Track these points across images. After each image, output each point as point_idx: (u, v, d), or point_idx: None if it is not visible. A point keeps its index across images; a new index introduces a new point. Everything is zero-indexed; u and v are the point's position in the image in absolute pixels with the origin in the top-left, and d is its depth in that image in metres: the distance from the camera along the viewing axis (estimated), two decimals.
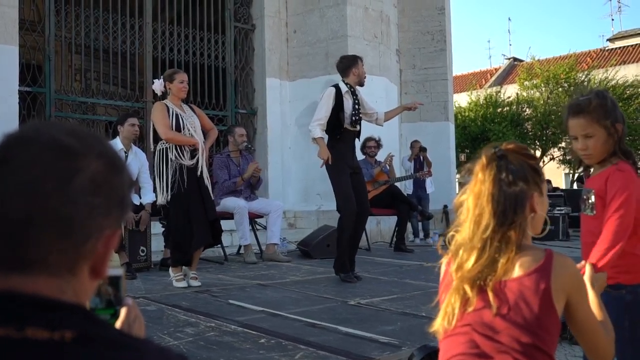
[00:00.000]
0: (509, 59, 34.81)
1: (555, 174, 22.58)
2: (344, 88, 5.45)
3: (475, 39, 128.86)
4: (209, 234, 5.04)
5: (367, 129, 8.24)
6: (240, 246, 6.98)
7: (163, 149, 4.96)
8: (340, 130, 5.38)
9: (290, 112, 9.69)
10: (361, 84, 5.61)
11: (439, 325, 1.45)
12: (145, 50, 8.78)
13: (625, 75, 20.33)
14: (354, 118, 5.41)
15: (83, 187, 0.75)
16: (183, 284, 4.93)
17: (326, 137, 5.50)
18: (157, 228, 6.25)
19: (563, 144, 18.90)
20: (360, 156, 8.05)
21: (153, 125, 5.04)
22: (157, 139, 5.02)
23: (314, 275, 5.67)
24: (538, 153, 20.79)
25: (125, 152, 5.92)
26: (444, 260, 1.56)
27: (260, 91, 9.64)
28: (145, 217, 5.89)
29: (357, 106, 5.44)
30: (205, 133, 5.23)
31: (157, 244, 6.23)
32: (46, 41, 7.79)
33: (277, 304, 4.19)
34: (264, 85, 9.56)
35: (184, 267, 5.09)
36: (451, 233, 1.49)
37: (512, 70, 32.38)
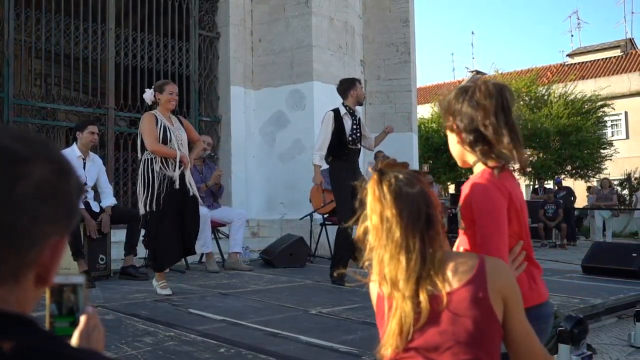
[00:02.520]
0: (472, 72, 35.35)
1: None
2: (342, 110, 5.86)
3: (439, 52, 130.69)
4: (178, 252, 5.08)
5: None
6: (202, 255, 6.92)
7: (148, 159, 4.96)
8: (345, 151, 5.79)
9: (254, 121, 9.66)
10: (360, 104, 6.05)
11: (390, 346, 1.41)
12: (108, 57, 8.67)
13: (583, 90, 20.84)
14: (352, 137, 5.82)
15: (27, 193, 0.73)
16: (167, 291, 4.94)
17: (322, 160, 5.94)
18: (117, 236, 6.15)
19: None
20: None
21: (140, 135, 5.03)
22: (143, 148, 5.03)
23: (276, 285, 5.65)
24: None
25: (83, 159, 5.82)
26: (372, 286, 1.54)
27: (225, 99, 9.60)
28: (106, 219, 5.81)
29: (355, 126, 5.85)
30: (191, 144, 5.29)
31: (117, 252, 6.13)
32: (5, 45, 7.64)
33: (238, 313, 4.16)
34: (228, 94, 9.53)
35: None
36: (366, 263, 1.48)
37: None
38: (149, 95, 5.16)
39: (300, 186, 8.79)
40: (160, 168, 4.92)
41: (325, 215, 7.74)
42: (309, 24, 9.20)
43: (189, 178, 5.07)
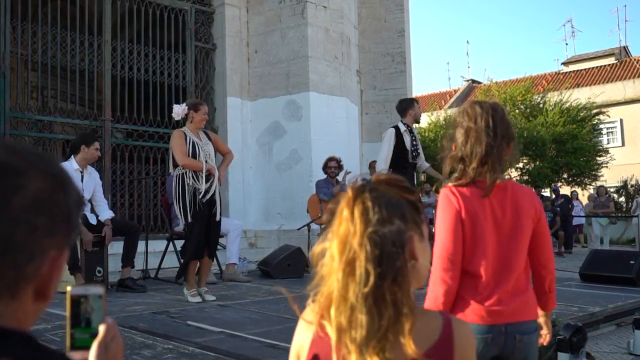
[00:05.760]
0: (468, 80, 35.48)
1: None
2: (402, 127, 6.29)
3: (435, 61, 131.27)
4: (202, 251, 5.25)
5: (329, 150, 8.31)
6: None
7: (180, 174, 5.19)
8: (405, 164, 6.17)
9: (251, 132, 9.68)
10: (417, 122, 6.59)
11: None
12: (104, 69, 8.69)
13: (578, 98, 20.90)
14: (413, 153, 6.24)
15: (24, 206, 0.72)
16: (197, 299, 5.13)
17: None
18: (114, 248, 6.13)
19: (520, 165, 19.29)
20: (322, 175, 8.09)
21: (171, 151, 5.27)
22: (175, 164, 5.25)
23: (274, 295, 5.63)
24: None
25: (81, 172, 5.81)
26: (304, 327, 1.28)
27: (221, 110, 9.62)
28: (109, 232, 5.79)
29: (414, 142, 6.28)
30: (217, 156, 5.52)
31: (115, 264, 6.10)
32: (1, 58, 7.65)
33: (236, 325, 4.14)
34: (224, 105, 9.55)
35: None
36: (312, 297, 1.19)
37: (470, 91, 32.99)
38: (179, 111, 5.32)
39: (298, 196, 8.79)
40: (191, 182, 5.15)
41: (323, 226, 7.74)
42: (305, 35, 9.23)
43: (215, 190, 5.27)
